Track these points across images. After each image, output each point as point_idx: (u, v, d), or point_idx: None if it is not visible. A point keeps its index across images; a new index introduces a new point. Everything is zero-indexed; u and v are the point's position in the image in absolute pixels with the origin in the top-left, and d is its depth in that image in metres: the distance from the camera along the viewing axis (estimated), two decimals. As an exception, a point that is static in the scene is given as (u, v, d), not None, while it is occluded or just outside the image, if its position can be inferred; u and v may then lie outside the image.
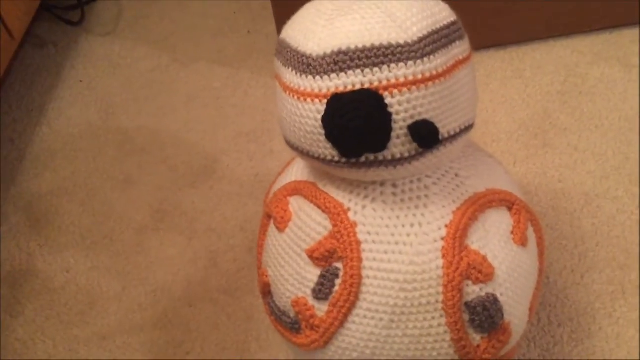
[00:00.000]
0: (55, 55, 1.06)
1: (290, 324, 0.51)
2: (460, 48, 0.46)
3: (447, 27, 0.45)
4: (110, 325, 0.70)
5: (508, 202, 0.50)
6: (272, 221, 0.54)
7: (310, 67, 0.44)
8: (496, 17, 0.89)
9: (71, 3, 1.12)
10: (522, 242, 0.50)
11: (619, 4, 0.88)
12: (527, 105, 0.84)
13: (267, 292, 0.54)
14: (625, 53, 0.87)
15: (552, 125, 0.81)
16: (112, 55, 1.05)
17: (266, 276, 0.54)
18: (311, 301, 0.49)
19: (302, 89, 0.45)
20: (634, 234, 0.68)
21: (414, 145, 0.44)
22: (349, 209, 0.48)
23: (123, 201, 0.82)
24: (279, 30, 0.50)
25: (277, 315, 0.53)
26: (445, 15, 0.46)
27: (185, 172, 0.84)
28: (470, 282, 0.47)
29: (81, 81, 1.01)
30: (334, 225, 0.48)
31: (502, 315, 0.48)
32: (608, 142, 0.77)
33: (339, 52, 0.43)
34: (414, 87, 0.43)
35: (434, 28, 0.44)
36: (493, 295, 0.47)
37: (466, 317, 0.47)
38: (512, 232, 0.50)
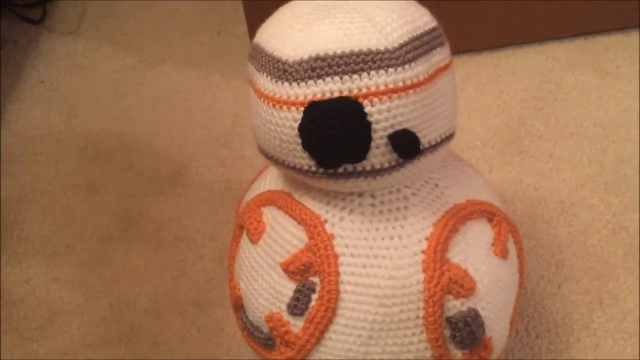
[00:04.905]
0: (14, 55, 1.02)
1: (264, 339, 0.50)
2: (441, 55, 0.45)
3: (428, 33, 0.44)
4: (72, 339, 0.67)
5: (489, 214, 0.49)
6: (244, 232, 0.52)
7: (286, 73, 0.42)
8: (470, 22, 0.88)
9: (32, 0, 1.08)
10: (503, 255, 0.49)
11: (592, 11, 0.88)
12: (502, 111, 0.83)
13: (239, 306, 0.52)
14: (599, 60, 0.87)
15: (527, 132, 0.80)
16: (75, 55, 1.01)
17: (238, 289, 0.52)
18: (286, 317, 0.47)
19: (277, 95, 0.43)
20: (610, 243, 0.68)
21: (394, 155, 0.43)
22: (325, 221, 0.47)
23: (86, 209, 0.79)
24: (251, 31, 0.48)
25: (250, 331, 0.51)
26: (426, 20, 0.45)
27: (152, 178, 0.81)
28: (451, 297, 0.45)
29: (42, 82, 0.97)
30: (310, 238, 0.46)
31: (484, 330, 0.47)
32: (583, 150, 0.77)
33: (317, 58, 0.41)
34: (394, 96, 0.42)
35: (415, 34, 0.43)
36: (474, 309, 0.46)
37: (447, 332, 0.46)
38: (492, 244, 0.49)
